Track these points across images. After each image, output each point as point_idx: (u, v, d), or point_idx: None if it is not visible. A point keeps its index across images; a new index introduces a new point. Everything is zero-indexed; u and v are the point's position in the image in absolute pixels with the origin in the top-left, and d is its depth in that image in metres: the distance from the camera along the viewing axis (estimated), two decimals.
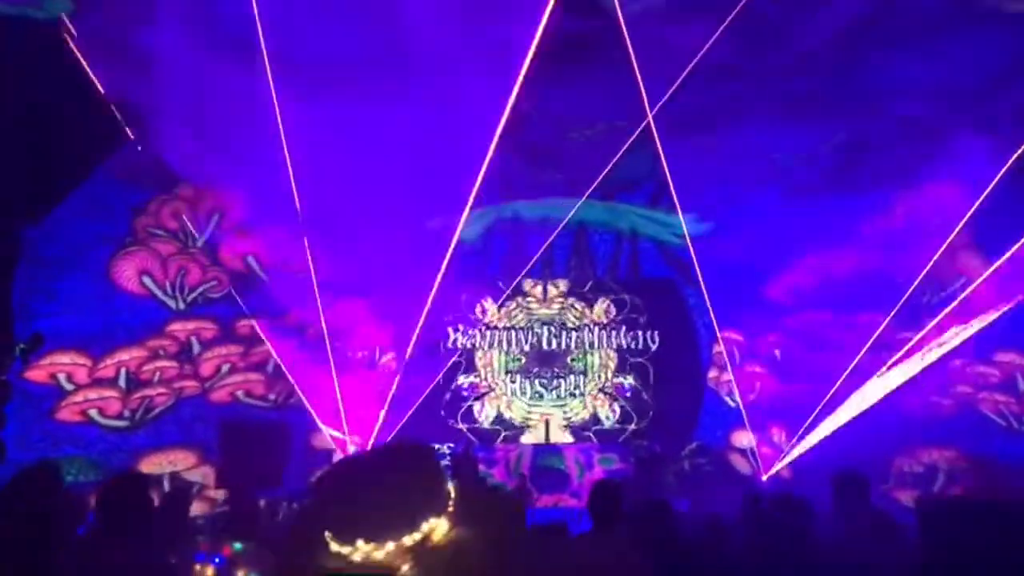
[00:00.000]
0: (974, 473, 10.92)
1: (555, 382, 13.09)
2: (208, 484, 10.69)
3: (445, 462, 12.27)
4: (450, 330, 13.01)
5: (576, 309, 13.23)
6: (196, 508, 10.43)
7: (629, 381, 13.06)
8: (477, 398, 13.06)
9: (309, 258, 10.99)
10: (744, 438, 12.29)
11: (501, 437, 12.87)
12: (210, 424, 10.77)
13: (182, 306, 10.63)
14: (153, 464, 10.42)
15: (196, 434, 10.72)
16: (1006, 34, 8.93)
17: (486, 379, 13.10)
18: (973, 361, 11.17)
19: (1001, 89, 9.93)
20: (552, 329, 13.21)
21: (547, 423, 13.01)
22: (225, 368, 10.81)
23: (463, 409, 12.97)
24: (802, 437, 11.49)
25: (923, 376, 11.15)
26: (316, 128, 9.58)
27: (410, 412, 12.22)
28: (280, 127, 9.78)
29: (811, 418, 11.43)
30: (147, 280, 10.46)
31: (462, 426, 12.88)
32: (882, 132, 10.07)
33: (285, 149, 9.84)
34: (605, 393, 13.10)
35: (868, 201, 10.85)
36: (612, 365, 13.16)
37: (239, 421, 10.83)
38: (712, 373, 12.78)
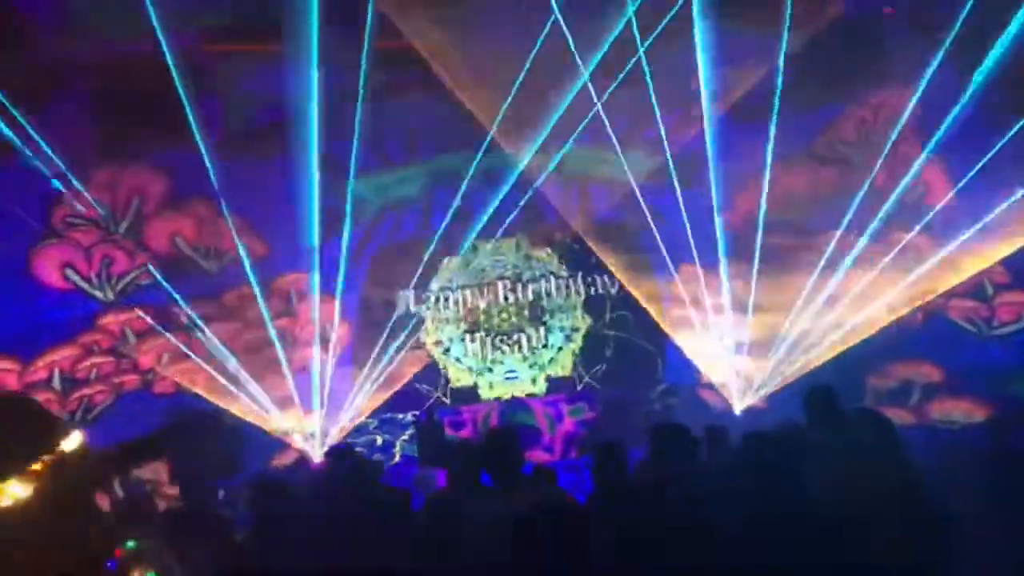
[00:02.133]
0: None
1: (515, 336, 12.66)
2: (162, 481, 10.15)
3: (409, 431, 11.92)
4: (400, 295, 12.48)
5: (530, 260, 12.77)
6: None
7: (590, 327, 12.69)
8: (438, 361, 12.61)
9: (245, 232, 10.45)
10: (714, 373, 11.96)
11: (468, 397, 12.46)
12: (157, 417, 10.19)
13: (111, 296, 10.00)
14: None
15: (143, 429, 10.08)
16: None
17: (443, 341, 12.63)
18: (937, 269, 10.88)
19: None
20: (507, 283, 12.74)
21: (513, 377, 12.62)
22: (166, 357, 10.22)
23: (426, 373, 12.51)
24: (772, 365, 11.20)
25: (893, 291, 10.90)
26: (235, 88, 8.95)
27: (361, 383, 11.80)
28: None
29: (780, 345, 11.15)
30: (70, 273, 9.81)
31: (428, 391, 12.44)
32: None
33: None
34: (568, 342, 12.71)
35: (817, 115, 10.47)
36: (573, 313, 12.75)
37: (188, 410, 10.28)
38: (675, 310, 12.39)
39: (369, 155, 10.62)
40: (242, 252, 10.32)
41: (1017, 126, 9.73)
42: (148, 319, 10.13)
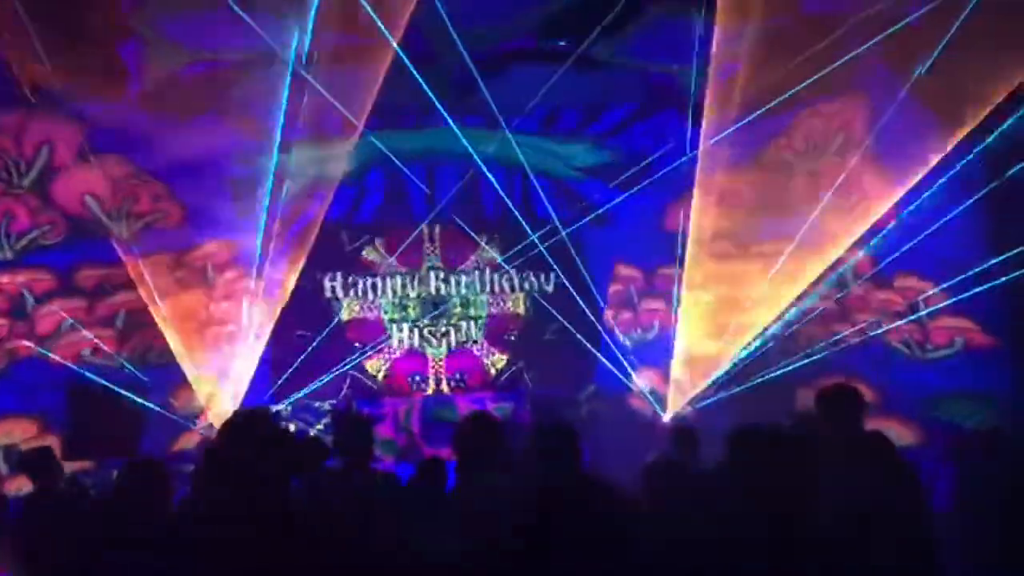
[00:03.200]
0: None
1: (443, 329, 12.20)
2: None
3: (325, 420, 11.34)
4: (327, 279, 11.90)
5: (465, 251, 12.32)
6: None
7: (524, 324, 12.30)
8: (364, 351, 12.07)
9: (161, 197, 9.77)
10: (644, 379, 11.67)
11: (391, 390, 11.96)
12: (53, 388, 9.46)
13: (10, 255, 9.23)
14: None
15: (36, 400, 9.41)
16: None
17: (371, 330, 12.09)
18: (874, 288, 10.78)
19: None
20: (440, 273, 12.27)
21: (437, 374, 12.17)
22: (66, 324, 9.49)
23: (351, 362, 11.96)
24: (704, 374, 10.96)
25: (826, 305, 10.76)
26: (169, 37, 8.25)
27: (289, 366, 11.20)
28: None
29: (713, 354, 10.92)
30: None
31: (357, 379, 11.89)
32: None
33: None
34: (498, 339, 12.30)
35: (767, 122, 10.23)
36: (505, 309, 12.35)
37: (86, 383, 9.57)
38: (609, 313, 12.09)
39: (300, 124, 10.01)
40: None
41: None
42: (50, 281, 9.39)
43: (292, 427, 11.39)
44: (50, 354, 9.44)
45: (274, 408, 11.35)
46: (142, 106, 8.79)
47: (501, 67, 9.33)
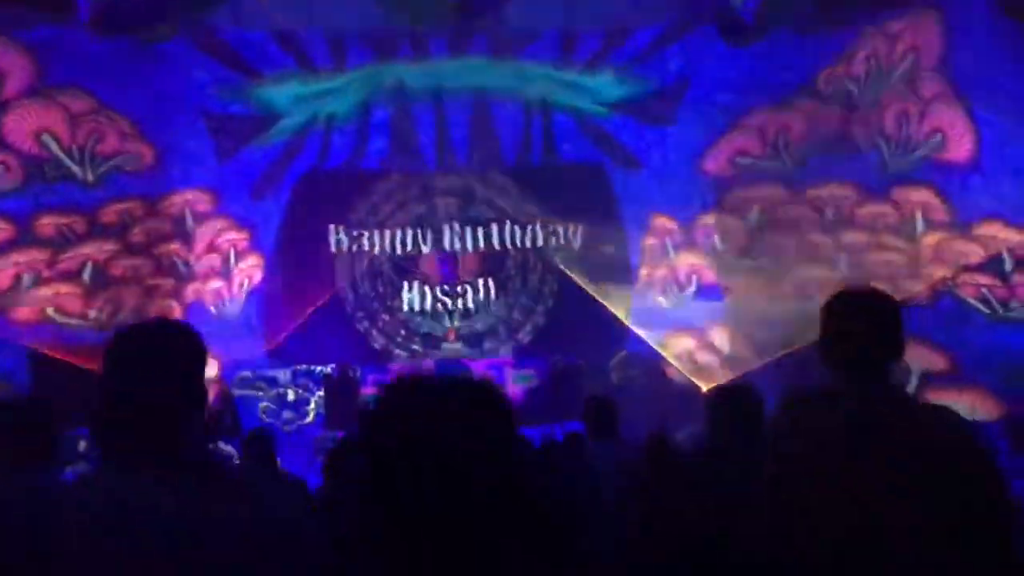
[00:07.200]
0: None
1: (459, 288, 11.03)
2: None
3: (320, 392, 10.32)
4: (331, 228, 10.82)
5: (481, 200, 11.10)
6: None
7: (546, 283, 11.08)
8: (370, 310, 11.01)
9: (130, 136, 8.68)
10: (681, 343, 10.35)
11: (403, 353, 10.90)
12: (13, 350, 8.51)
13: None
14: None
15: None
16: None
17: (378, 288, 11.01)
18: (949, 237, 9.25)
19: None
20: (454, 226, 11.07)
21: (453, 336, 11.05)
22: (28, 279, 8.49)
23: (358, 321, 10.94)
24: (750, 338, 9.61)
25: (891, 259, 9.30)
26: None
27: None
28: None
29: (760, 315, 9.54)
30: None
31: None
32: None
33: None
34: (519, 299, 11.10)
35: (822, 43, 8.78)
36: (527, 265, 11.14)
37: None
38: (643, 270, 10.77)
39: (283, 54, 8.83)
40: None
41: None
42: (8, 230, 8.39)
43: (291, 394, 10.46)
44: (10, 312, 8.46)
45: (271, 373, 10.42)
46: (99, 29, 7.65)
47: None
